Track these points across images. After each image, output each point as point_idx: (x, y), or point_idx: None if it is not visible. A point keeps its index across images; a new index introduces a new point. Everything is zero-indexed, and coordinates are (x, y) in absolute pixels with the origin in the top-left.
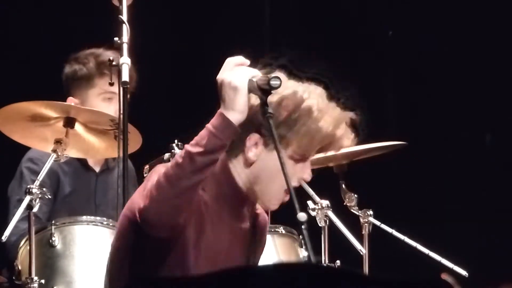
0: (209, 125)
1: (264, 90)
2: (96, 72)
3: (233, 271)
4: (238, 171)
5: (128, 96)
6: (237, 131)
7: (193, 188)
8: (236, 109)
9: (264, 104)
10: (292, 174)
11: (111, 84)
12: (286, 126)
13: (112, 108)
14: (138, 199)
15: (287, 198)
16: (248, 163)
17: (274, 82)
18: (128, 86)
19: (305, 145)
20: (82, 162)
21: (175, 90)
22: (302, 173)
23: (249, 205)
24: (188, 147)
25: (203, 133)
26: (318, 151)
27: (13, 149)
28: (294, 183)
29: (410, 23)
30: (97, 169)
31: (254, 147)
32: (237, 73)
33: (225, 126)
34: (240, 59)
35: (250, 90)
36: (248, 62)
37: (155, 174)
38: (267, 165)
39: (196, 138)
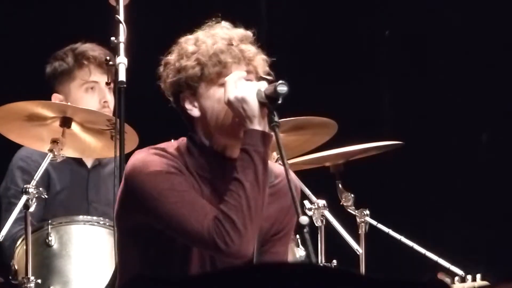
0: (243, 146)
1: (272, 98)
2: (74, 65)
3: (232, 271)
4: (199, 132)
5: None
6: (268, 136)
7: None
8: (253, 117)
9: (271, 113)
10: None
11: (108, 83)
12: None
13: (96, 98)
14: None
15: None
16: (199, 120)
17: (281, 88)
18: (125, 85)
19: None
20: (75, 158)
21: None
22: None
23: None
24: (240, 177)
25: (243, 156)
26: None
27: (10, 149)
28: None
29: (407, 22)
30: (89, 165)
31: (191, 104)
32: (240, 87)
33: (255, 137)
34: (237, 73)
35: (258, 101)
36: (245, 73)
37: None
38: (209, 106)
39: (241, 164)
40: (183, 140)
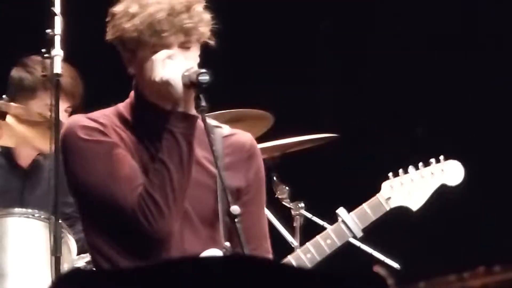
0: (168, 126)
1: (195, 84)
2: (40, 85)
3: (163, 264)
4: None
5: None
6: (192, 117)
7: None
8: (178, 100)
9: (197, 97)
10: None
11: (44, 76)
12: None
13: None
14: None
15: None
16: (135, 75)
17: (202, 78)
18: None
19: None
20: (8, 159)
21: (111, 83)
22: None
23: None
24: (165, 158)
25: (168, 137)
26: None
27: None
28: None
29: (344, 14)
30: (26, 166)
31: (128, 62)
32: (167, 68)
33: (180, 118)
34: (165, 53)
35: (185, 84)
36: (174, 52)
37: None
38: (141, 71)
39: (166, 144)
40: None
